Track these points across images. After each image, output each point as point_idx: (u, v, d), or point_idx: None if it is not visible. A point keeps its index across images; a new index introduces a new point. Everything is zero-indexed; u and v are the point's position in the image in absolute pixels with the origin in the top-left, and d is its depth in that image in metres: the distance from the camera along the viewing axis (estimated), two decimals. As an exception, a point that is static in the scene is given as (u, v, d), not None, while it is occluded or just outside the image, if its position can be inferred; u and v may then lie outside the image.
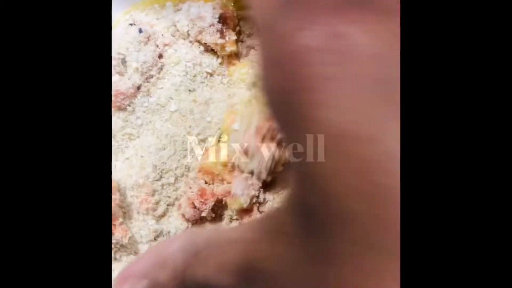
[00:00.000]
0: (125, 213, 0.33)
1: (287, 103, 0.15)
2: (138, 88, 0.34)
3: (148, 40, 0.35)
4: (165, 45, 0.35)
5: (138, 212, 0.34)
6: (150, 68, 0.34)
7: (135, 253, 0.34)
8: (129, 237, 0.33)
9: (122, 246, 0.33)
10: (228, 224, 0.33)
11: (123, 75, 0.34)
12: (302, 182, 0.15)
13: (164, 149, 0.32)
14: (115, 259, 0.33)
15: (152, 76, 0.34)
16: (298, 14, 0.14)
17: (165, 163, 0.32)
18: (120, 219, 0.32)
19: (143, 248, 0.34)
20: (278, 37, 0.15)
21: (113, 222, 0.32)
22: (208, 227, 0.33)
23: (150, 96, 0.34)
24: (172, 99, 0.33)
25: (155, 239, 0.34)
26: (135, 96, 0.34)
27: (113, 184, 0.32)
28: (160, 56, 0.35)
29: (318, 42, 0.14)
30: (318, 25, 0.14)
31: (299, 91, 0.14)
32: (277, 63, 0.15)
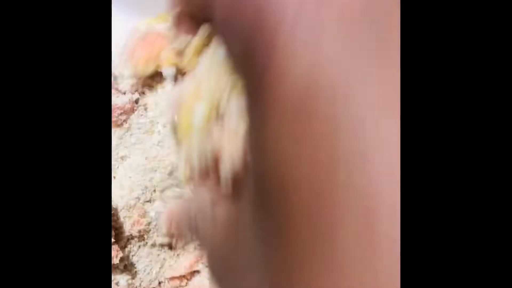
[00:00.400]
0: (117, 234, 0.33)
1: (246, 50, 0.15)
2: (136, 102, 0.32)
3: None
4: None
5: (131, 235, 0.33)
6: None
7: (129, 272, 0.33)
8: (120, 257, 0.32)
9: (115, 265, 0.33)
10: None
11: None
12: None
13: (155, 170, 0.31)
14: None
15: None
16: None
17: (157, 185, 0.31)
18: (112, 239, 0.32)
19: (138, 267, 0.33)
20: None
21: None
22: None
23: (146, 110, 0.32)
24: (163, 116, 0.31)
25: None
26: (133, 111, 0.32)
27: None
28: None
29: None
30: None
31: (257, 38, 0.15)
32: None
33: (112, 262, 0.32)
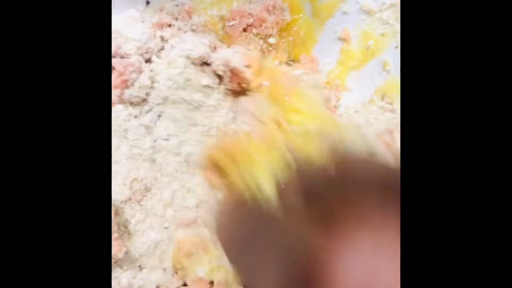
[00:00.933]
0: (121, 229, 0.33)
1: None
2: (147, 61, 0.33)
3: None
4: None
5: (136, 231, 0.32)
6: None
7: (139, 267, 0.33)
8: (124, 252, 0.32)
9: (120, 259, 0.32)
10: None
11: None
12: None
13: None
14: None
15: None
16: None
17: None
18: (116, 235, 0.31)
19: (143, 261, 0.33)
20: None
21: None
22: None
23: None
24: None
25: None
26: (142, 71, 0.32)
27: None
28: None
29: None
30: None
31: None
32: None
33: (117, 257, 0.32)
